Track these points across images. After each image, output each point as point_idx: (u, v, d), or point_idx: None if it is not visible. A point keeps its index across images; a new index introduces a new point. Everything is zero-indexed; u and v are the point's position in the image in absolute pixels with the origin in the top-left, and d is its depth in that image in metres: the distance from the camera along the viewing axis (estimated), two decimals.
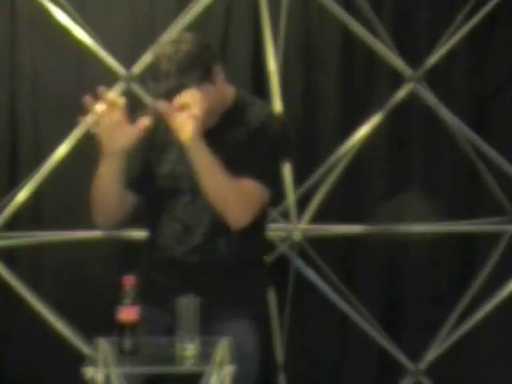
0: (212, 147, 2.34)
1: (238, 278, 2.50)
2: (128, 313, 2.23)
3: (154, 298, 2.50)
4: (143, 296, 2.50)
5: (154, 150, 2.47)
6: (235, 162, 2.38)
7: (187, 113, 2.28)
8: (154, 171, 2.48)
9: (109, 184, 2.41)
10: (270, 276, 2.72)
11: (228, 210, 2.39)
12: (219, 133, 2.43)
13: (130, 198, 2.49)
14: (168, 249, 2.49)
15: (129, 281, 2.24)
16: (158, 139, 2.48)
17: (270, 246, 2.80)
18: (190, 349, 2.19)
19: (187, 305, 2.22)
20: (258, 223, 2.50)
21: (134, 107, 3.17)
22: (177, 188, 2.46)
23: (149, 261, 2.57)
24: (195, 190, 2.42)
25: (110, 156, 2.38)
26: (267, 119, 2.48)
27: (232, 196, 2.38)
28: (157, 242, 2.53)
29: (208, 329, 2.29)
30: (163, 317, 2.47)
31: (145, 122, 2.34)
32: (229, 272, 2.48)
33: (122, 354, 2.22)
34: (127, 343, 2.23)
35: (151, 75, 2.37)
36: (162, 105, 2.30)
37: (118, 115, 2.33)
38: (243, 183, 2.39)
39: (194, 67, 2.34)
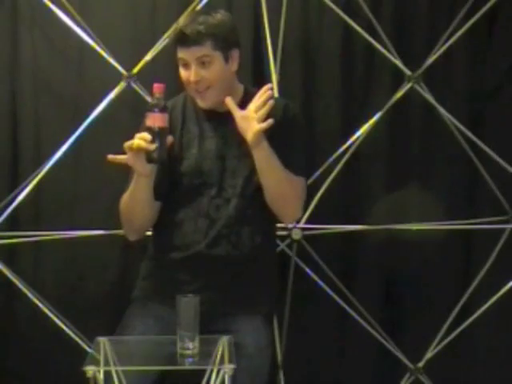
0: (232, 135, 2.42)
1: (260, 272, 2.52)
2: (156, 119, 2.27)
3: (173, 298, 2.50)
4: (161, 297, 2.51)
5: (174, 150, 2.47)
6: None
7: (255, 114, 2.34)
8: (175, 170, 2.48)
9: (143, 199, 2.45)
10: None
11: (287, 206, 2.49)
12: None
13: (157, 205, 2.51)
14: (194, 245, 2.48)
15: (158, 89, 2.29)
16: (176, 138, 2.47)
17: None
18: (190, 347, 2.19)
19: (187, 304, 2.23)
20: (274, 217, 2.54)
21: (135, 107, 3.20)
22: (202, 183, 2.47)
23: (162, 261, 2.54)
24: (221, 184, 2.46)
25: (141, 175, 2.39)
26: (288, 110, 2.52)
27: (291, 192, 2.46)
28: (178, 240, 2.50)
29: (224, 325, 2.35)
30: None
31: (170, 139, 2.35)
32: (252, 265, 2.49)
33: (150, 162, 2.30)
34: (155, 151, 2.28)
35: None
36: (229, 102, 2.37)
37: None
38: (295, 178, 2.46)
39: (220, 34, 2.42)
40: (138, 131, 2.34)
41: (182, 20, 2.47)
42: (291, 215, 2.55)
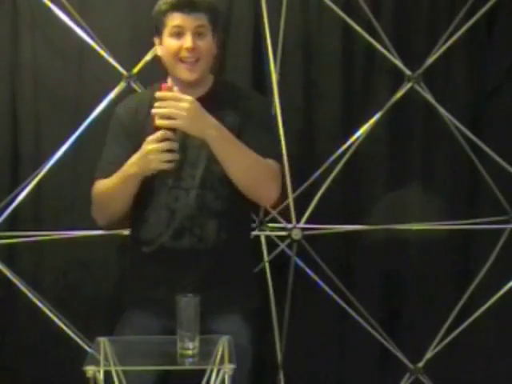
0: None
1: (228, 268, 2.49)
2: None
3: (147, 301, 2.50)
4: (136, 301, 2.52)
5: (138, 141, 2.45)
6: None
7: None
8: None
9: (129, 196, 2.45)
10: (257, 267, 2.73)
11: (260, 190, 2.46)
12: (209, 109, 2.41)
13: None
14: (157, 237, 2.48)
15: (167, 89, 2.31)
16: (136, 130, 2.48)
17: (252, 234, 2.80)
18: (190, 347, 2.19)
19: (187, 303, 2.23)
20: (246, 209, 2.53)
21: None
22: (159, 174, 2.43)
23: (137, 258, 2.55)
24: (179, 173, 2.44)
25: (142, 175, 2.40)
26: (252, 98, 2.54)
27: (261, 175, 2.43)
28: (144, 234, 2.51)
29: (203, 325, 2.27)
30: (156, 321, 2.48)
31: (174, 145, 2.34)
32: (219, 260, 2.46)
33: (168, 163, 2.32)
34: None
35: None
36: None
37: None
38: (264, 161, 2.43)
39: (215, 11, 2.47)
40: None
41: None
42: (266, 198, 2.51)
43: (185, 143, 2.43)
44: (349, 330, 3.46)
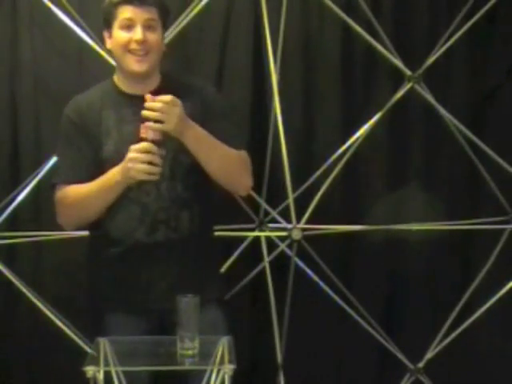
0: None
1: (200, 257, 2.51)
2: (153, 132, 2.31)
3: (124, 304, 2.49)
4: (113, 305, 2.50)
5: (93, 139, 2.46)
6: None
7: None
8: (97, 160, 2.46)
9: (108, 203, 2.44)
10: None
11: (235, 180, 2.53)
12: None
13: None
14: (129, 234, 2.46)
15: (152, 100, 2.31)
16: (89, 126, 2.48)
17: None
18: (190, 348, 2.19)
19: (187, 304, 2.23)
20: (212, 198, 2.55)
21: None
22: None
23: (106, 258, 2.52)
24: None
25: (125, 183, 2.39)
26: (207, 94, 2.54)
27: (235, 167, 2.49)
28: (114, 233, 2.48)
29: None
30: (139, 323, 2.48)
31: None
32: (192, 250, 2.48)
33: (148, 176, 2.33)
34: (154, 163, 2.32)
35: None
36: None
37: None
38: (235, 152, 2.48)
39: (164, 6, 2.50)
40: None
41: None
42: (243, 187, 2.60)
43: None
44: (349, 330, 3.46)
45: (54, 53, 3.28)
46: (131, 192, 2.44)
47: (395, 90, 3.34)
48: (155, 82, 2.52)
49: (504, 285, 3.40)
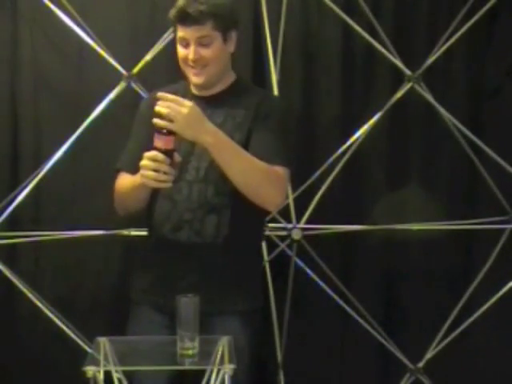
0: (218, 118, 2.45)
1: (228, 265, 2.46)
2: (164, 141, 2.29)
3: (158, 298, 2.50)
4: (139, 297, 2.52)
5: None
6: (231, 137, 2.42)
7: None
8: None
9: (142, 200, 2.50)
10: (262, 267, 2.69)
11: (260, 195, 2.43)
12: (223, 105, 2.48)
13: None
14: (158, 228, 2.49)
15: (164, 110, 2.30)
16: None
17: (263, 236, 2.77)
18: (190, 347, 2.19)
19: (187, 303, 2.23)
20: (251, 207, 2.46)
21: (135, 107, 3.19)
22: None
23: (144, 250, 2.59)
24: (185, 165, 2.45)
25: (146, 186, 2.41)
26: (266, 100, 2.53)
27: (261, 181, 2.41)
28: (150, 225, 2.55)
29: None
30: (164, 318, 2.48)
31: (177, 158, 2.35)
32: (218, 256, 2.45)
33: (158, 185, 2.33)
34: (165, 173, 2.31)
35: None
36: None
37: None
38: (266, 167, 2.42)
39: (221, 14, 2.42)
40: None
41: None
42: (268, 203, 2.47)
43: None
44: (349, 330, 3.46)
45: (55, 53, 3.28)
46: (166, 188, 2.43)
47: (395, 90, 3.34)
48: (225, 84, 2.53)
49: (504, 285, 3.41)
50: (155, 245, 2.52)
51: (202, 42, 2.42)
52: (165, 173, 2.31)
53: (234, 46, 2.53)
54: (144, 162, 2.31)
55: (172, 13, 2.45)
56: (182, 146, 2.41)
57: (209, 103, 2.47)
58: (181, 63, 2.49)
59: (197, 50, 2.42)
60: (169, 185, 2.33)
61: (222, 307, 2.47)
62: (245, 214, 2.47)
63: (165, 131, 2.29)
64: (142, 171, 2.32)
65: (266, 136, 2.45)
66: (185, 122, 2.31)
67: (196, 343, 2.20)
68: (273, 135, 2.46)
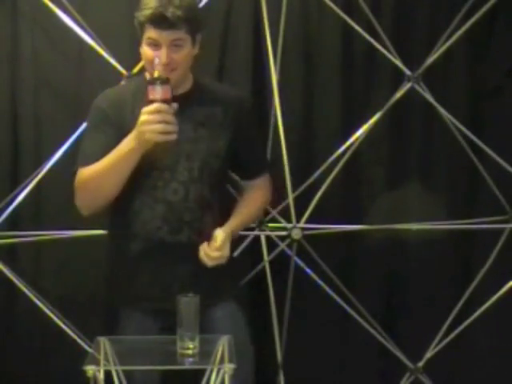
0: (187, 117, 2.44)
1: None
2: (162, 91, 2.25)
3: (141, 300, 2.51)
4: (129, 300, 2.51)
5: (121, 131, 2.43)
6: (218, 136, 2.49)
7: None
8: None
9: (123, 176, 2.39)
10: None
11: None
12: (199, 104, 2.48)
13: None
14: (153, 232, 2.46)
15: (158, 61, 2.31)
16: (121, 121, 2.46)
17: None
18: (190, 347, 2.20)
19: (187, 303, 2.24)
20: (230, 196, 2.65)
21: None
22: (153, 167, 2.43)
23: (126, 254, 2.52)
24: (175, 167, 2.44)
25: (140, 150, 2.33)
26: (244, 99, 2.61)
27: (264, 206, 2.77)
28: (137, 229, 2.48)
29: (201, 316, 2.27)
30: (153, 320, 2.49)
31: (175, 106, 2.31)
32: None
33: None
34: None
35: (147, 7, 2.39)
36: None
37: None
38: (260, 193, 2.64)
39: (193, 18, 2.40)
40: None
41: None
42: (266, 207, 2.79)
43: (179, 137, 2.36)
44: (349, 329, 3.46)
45: (55, 52, 3.28)
46: (157, 191, 2.45)
47: (395, 90, 3.34)
48: (187, 85, 2.51)
49: (504, 285, 3.40)
50: (146, 249, 2.48)
51: (174, 44, 2.38)
52: (170, 122, 2.25)
53: (197, 49, 2.50)
54: (147, 117, 2.24)
55: (144, 13, 2.38)
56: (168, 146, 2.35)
57: (181, 103, 2.36)
58: (147, 64, 2.44)
59: (169, 54, 2.38)
60: (175, 136, 2.27)
61: (220, 296, 2.53)
62: (228, 205, 2.60)
63: (159, 81, 2.26)
64: (145, 127, 2.25)
65: (253, 147, 2.62)
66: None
67: (196, 343, 2.21)
68: (257, 143, 2.67)
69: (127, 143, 2.34)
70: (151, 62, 2.40)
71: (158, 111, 2.25)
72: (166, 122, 2.25)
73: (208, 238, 2.45)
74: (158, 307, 2.47)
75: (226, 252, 2.42)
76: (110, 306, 2.63)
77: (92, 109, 2.54)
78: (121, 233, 2.54)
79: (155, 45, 2.39)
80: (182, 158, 2.45)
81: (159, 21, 2.35)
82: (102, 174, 2.40)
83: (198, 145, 2.45)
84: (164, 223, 2.46)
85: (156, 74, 2.28)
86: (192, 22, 2.39)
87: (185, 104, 2.41)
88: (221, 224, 2.49)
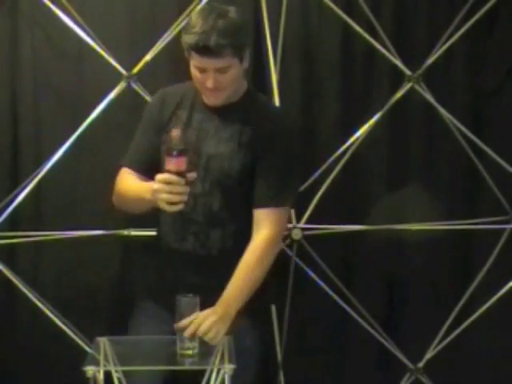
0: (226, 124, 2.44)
1: (230, 274, 2.44)
2: (176, 163, 2.26)
3: (161, 296, 2.52)
4: (153, 295, 2.53)
5: (162, 132, 2.48)
6: (235, 156, 2.43)
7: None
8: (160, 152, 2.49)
9: (143, 209, 2.49)
10: (274, 278, 2.66)
11: None
12: (232, 119, 2.46)
13: None
14: (163, 235, 2.52)
15: (176, 132, 2.28)
16: (160, 121, 2.50)
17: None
18: (190, 347, 2.20)
19: (187, 304, 2.24)
20: (249, 217, 2.48)
21: (135, 107, 3.20)
22: None
23: (154, 255, 2.61)
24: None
25: (154, 204, 2.37)
26: (281, 124, 2.50)
27: (269, 264, 2.47)
28: (157, 233, 2.57)
29: None
30: (170, 318, 2.49)
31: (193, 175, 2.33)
32: (224, 267, 2.43)
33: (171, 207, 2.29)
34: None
35: (191, 30, 2.34)
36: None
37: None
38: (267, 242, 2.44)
39: (238, 40, 2.36)
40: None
41: (194, 20, 2.34)
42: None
43: (200, 149, 2.43)
44: (349, 329, 3.46)
45: (54, 52, 3.28)
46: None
47: (395, 90, 3.33)
48: (235, 97, 2.49)
49: (504, 285, 3.41)
50: (161, 250, 2.55)
51: (221, 69, 2.36)
52: (179, 194, 2.28)
53: (247, 63, 2.46)
54: (157, 186, 2.28)
55: (189, 40, 2.34)
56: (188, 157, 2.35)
57: (218, 114, 2.44)
58: (196, 83, 2.44)
59: (215, 78, 2.36)
60: (181, 207, 2.30)
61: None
62: (249, 226, 2.47)
63: (175, 153, 2.26)
64: (155, 193, 2.29)
65: (267, 173, 2.44)
66: (220, 329, 2.29)
67: (196, 343, 2.21)
68: (278, 174, 2.45)
69: (146, 190, 2.37)
70: (199, 83, 2.42)
71: (168, 182, 2.27)
72: (174, 193, 2.27)
73: (215, 254, 2.46)
74: (168, 298, 2.46)
75: (213, 335, 2.26)
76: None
77: (147, 105, 2.66)
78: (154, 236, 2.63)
79: (202, 70, 2.38)
80: (201, 170, 2.45)
81: (203, 50, 2.32)
82: (125, 194, 2.51)
83: (215, 159, 2.44)
84: (172, 230, 2.50)
85: (173, 143, 2.27)
86: (237, 45, 2.36)
87: (218, 115, 2.44)
88: (236, 244, 2.46)
